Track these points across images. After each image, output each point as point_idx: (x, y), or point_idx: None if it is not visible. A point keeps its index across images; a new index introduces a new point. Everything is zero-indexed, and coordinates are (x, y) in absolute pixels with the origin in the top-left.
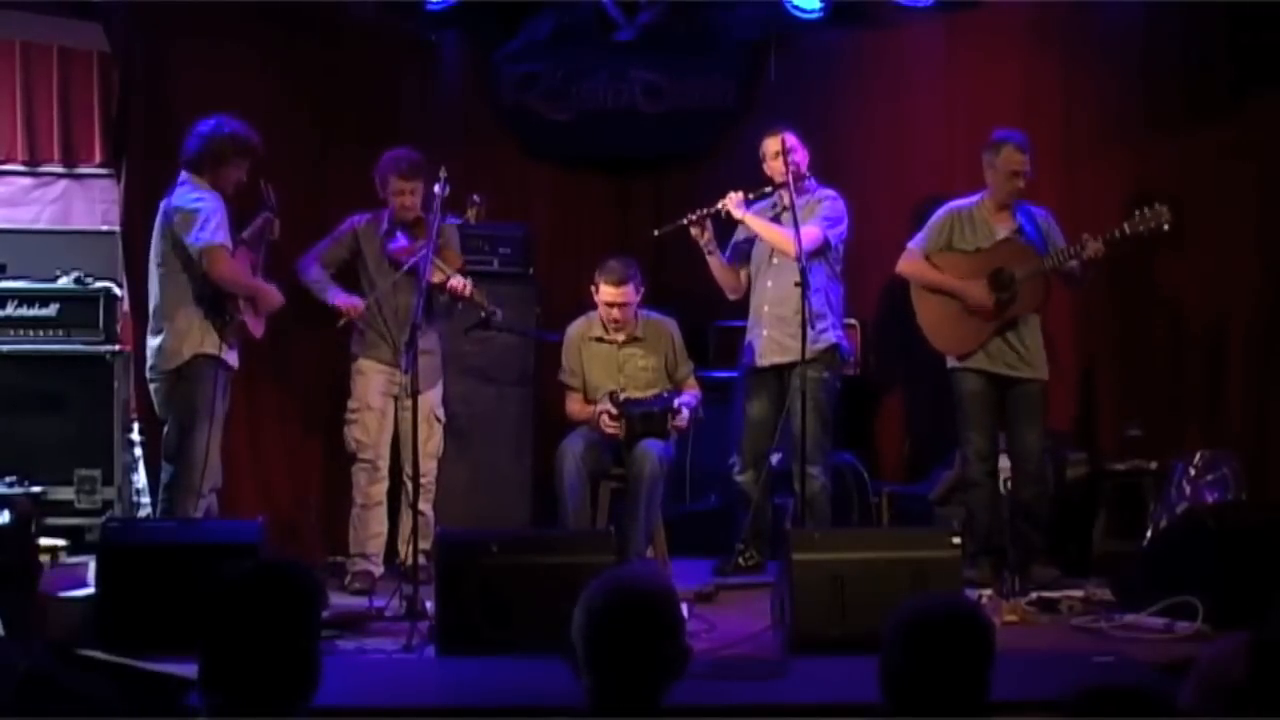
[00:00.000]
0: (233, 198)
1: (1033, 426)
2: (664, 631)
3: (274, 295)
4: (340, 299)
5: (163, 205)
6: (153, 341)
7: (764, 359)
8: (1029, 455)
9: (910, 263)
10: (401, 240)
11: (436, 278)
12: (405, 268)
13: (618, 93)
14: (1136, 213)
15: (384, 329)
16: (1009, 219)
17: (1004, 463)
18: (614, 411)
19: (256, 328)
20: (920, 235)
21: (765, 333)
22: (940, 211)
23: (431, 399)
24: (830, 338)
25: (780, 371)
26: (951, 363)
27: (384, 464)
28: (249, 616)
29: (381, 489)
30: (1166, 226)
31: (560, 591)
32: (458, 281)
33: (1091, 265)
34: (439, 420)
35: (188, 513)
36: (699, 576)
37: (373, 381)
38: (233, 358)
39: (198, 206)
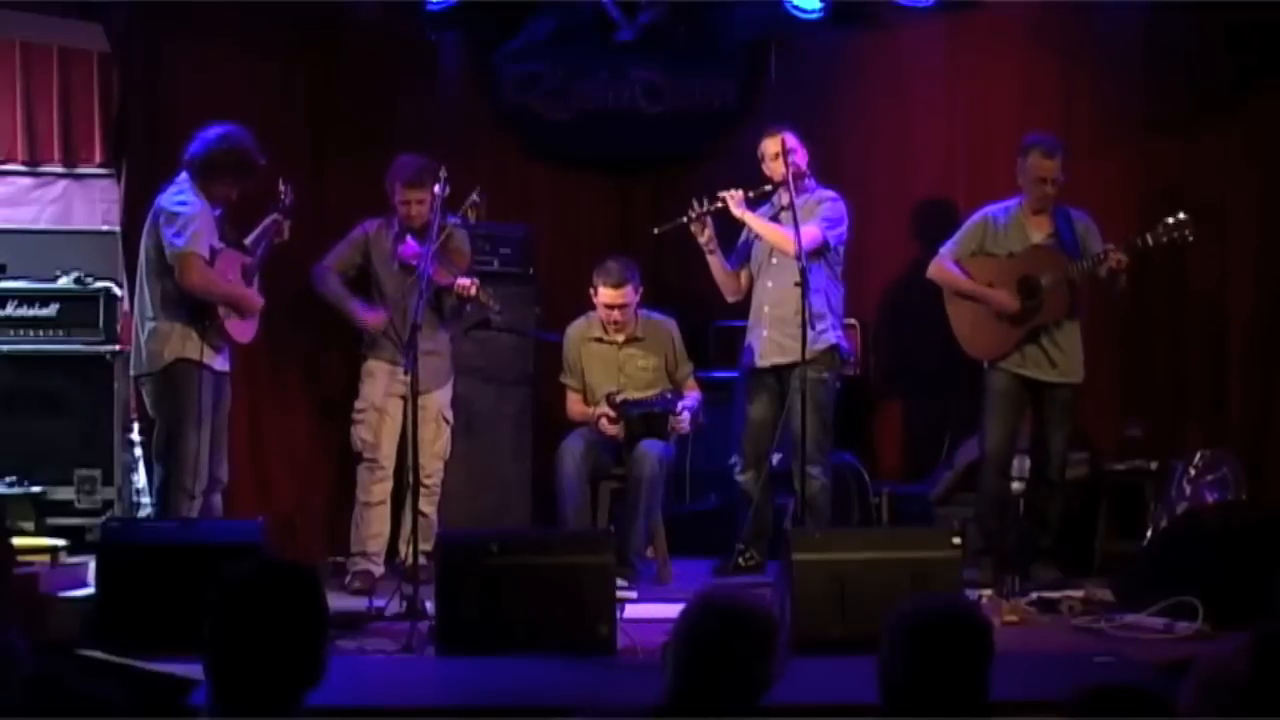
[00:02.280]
0: (237, 199)
1: (1060, 430)
2: (764, 656)
3: (253, 299)
4: (365, 313)
5: (154, 203)
6: (138, 342)
7: (764, 360)
8: (1051, 458)
9: (938, 268)
10: (412, 245)
11: (444, 279)
12: (407, 261)
13: (618, 93)
14: (1160, 224)
15: (393, 332)
16: (1045, 223)
17: (1026, 462)
18: (612, 414)
19: (243, 333)
20: (951, 240)
21: (765, 333)
22: (974, 216)
23: (440, 400)
24: (830, 338)
25: (780, 372)
26: (986, 362)
27: (389, 464)
28: (257, 614)
29: (385, 489)
30: (1190, 238)
31: (560, 591)
32: (464, 281)
33: (1122, 274)
34: (447, 421)
35: (181, 513)
36: (699, 576)
37: (380, 382)
38: (219, 362)
39: (179, 210)
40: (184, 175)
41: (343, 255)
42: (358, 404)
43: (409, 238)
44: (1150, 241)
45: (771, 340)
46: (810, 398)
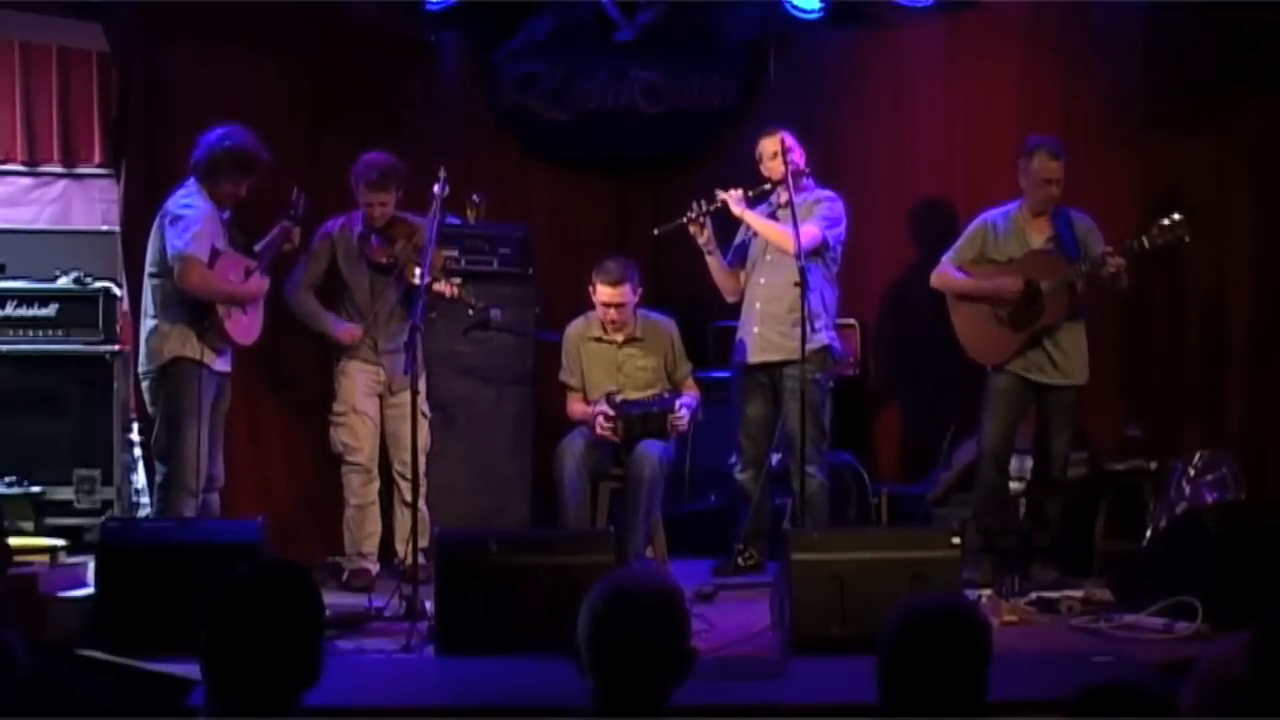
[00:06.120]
0: (247, 197)
1: (1061, 431)
2: (668, 632)
3: (253, 289)
4: (341, 329)
5: (162, 206)
6: (140, 339)
7: (754, 356)
8: (1053, 460)
9: (940, 276)
10: (377, 243)
11: (419, 281)
12: (394, 273)
13: (617, 93)
14: (1155, 226)
15: (364, 330)
16: (1046, 226)
17: (1026, 461)
18: (610, 413)
19: (244, 334)
20: (953, 248)
21: (756, 330)
22: (974, 223)
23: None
24: (823, 338)
25: (771, 370)
26: (990, 365)
27: (374, 464)
28: (253, 614)
29: (374, 489)
30: (1186, 238)
31: (560, 591)
32: (444, 286)
33: (1123, 275)
34: (425, 415)
35: (182, 512)
36: (699, 576)
37: (358, 382)
38: (220, 363)
39: (182, 213)
40: (191, 180)
41: (310, 269)
42: (336, 406)
43: (373, 237)
44: (1146, 244)
45: (762, 337)
46: (805, 397)
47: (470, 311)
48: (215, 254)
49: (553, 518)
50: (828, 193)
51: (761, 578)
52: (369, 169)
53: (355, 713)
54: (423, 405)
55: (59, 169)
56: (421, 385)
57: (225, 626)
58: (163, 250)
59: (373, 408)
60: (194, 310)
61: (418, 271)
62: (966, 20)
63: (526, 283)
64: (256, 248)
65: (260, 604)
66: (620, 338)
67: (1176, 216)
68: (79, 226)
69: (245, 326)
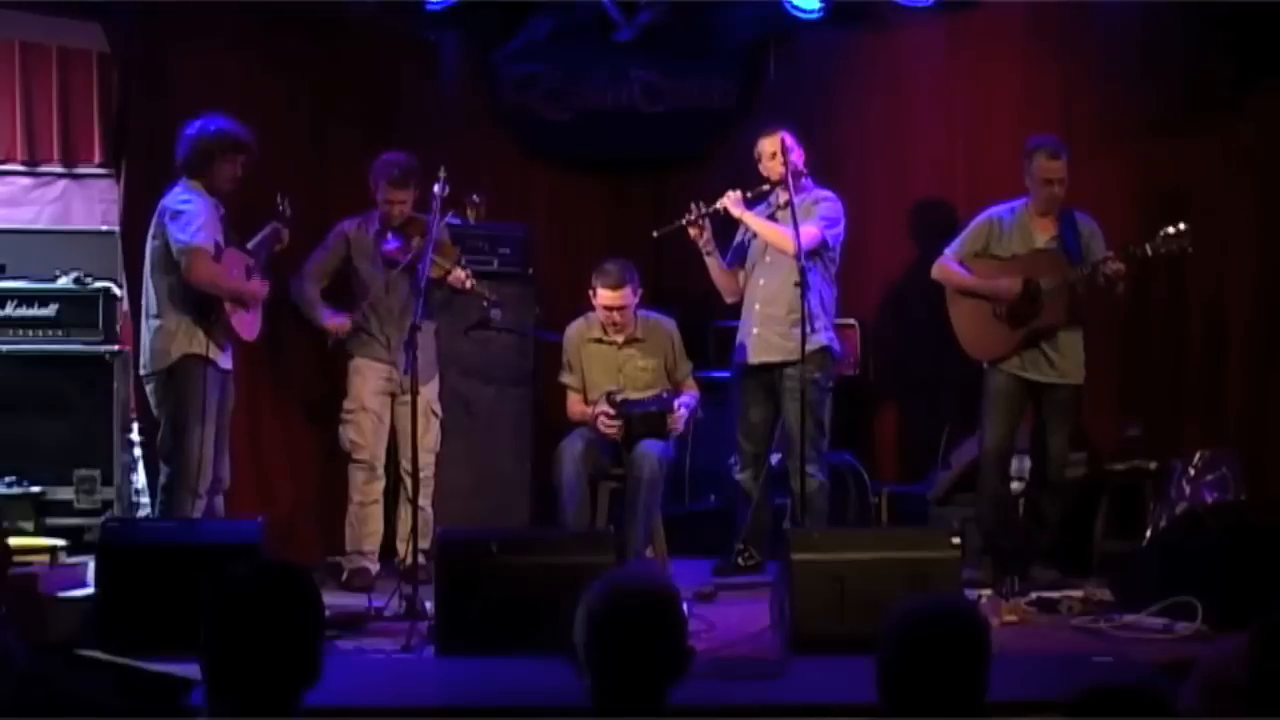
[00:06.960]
0: (232, 198)
1: (1059, 431)
2: (665, 631)
3: (257, 289)
4: (329, 319)
5: (159, 205)
6: (144, 341)
7: (754, 358)
8: (1052, 459)
9: (941, 268)
10: (393, 241)
11: (436, 274)
12: (402, 265)
13: (617, 93)
14: (1160, 234)
15: (378, 328)
16: (1051, 226)
17: (1026, 462)
18: (611, 412)
19: (248, 329)
20: (956, 241)
21: (756, 331)
22: (979, 217)
23: (428, 393)
24: (821, 339)
25: (771, 370)
26: (986, 363)
27: (380, 464)
28: (253, 614)
29: (379, 488)
30: (1189, 248)
31: (560, 591)
32: (459, 275)
33: (1120, 281)
34: (436, 415)
35: (186, 513)
36: (699, 576)
37: (369, 381)
38: (225, 359)
39: (183, 208)
40: (182, 180)
41: (321, 261)
42: (346, 404)
43: (389, 235)
44: (1149, 251)
45: (761, 338)
46: (804, 398)
47: (485, 303)
48: (218, 249)
49: (553, 518)
50: (826, 193)
51: (761, 578)
52: (390, 167)
53: (355, 713)
54: (434, 405)
55: (59, 169)
56: (435, 384)
57: (225, 626)
58: (164, 248)
59: (382, 406)
60: (200, 305)
61: (436, 270)
62: (966, 20)
63: (526, 283)
64: (249, 246)
65: (260, 604)
66: (620, 338)
67: (1181, 226)
68: (79, 226)
69: (249, 323)
